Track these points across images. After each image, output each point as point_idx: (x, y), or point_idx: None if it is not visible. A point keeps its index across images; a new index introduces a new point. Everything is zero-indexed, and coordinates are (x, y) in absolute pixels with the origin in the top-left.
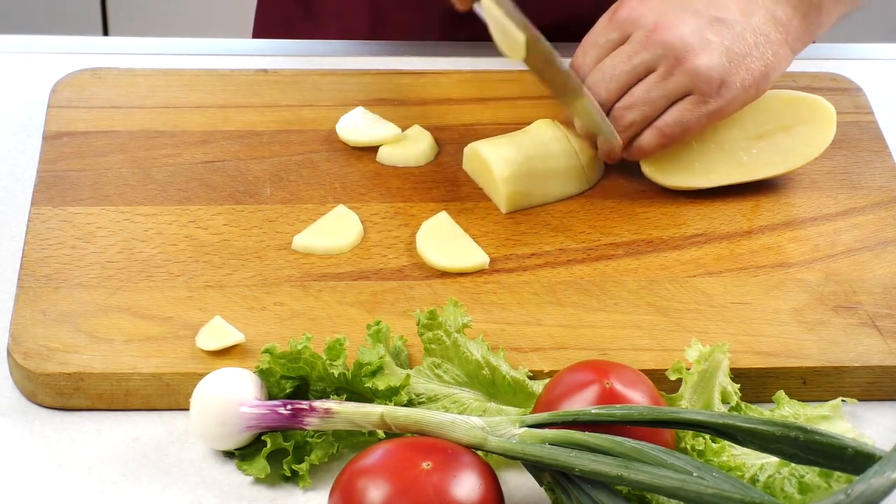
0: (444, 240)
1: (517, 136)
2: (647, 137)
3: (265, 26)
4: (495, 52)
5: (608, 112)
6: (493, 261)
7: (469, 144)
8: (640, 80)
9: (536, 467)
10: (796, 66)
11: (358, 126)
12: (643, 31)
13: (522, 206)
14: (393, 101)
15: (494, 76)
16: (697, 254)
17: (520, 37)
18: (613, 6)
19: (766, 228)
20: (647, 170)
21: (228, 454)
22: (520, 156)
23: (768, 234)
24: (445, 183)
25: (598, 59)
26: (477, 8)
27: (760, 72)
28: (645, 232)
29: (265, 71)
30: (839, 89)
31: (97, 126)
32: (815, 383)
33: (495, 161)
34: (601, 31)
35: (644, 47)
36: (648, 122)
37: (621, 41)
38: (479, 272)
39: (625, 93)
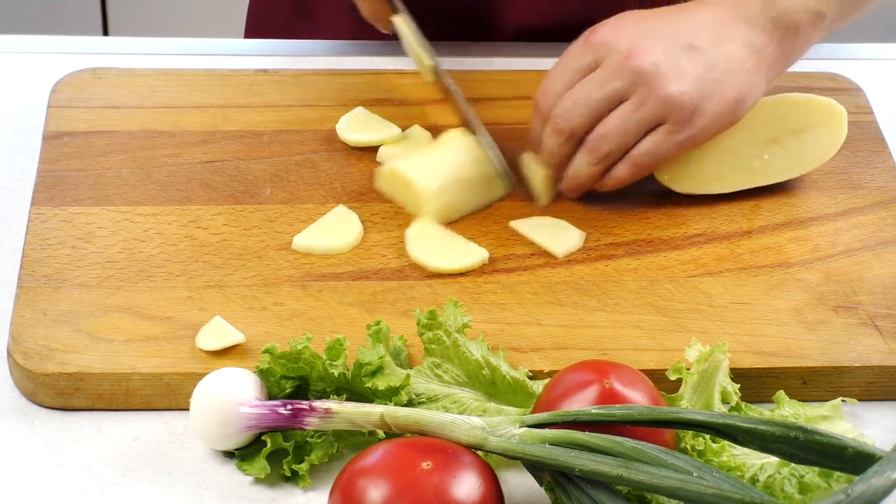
0: (436, 242)
1: (432, 150)
2: (622, 169)
3: (257, 28)
4: (495, 51)
5: (580, 139)
6: (492, 261)
7: (383, 165)
8: (613, 107)
9: (536, 467)
10: (796, 66)
11: (358, 126)
12: (616, 56)
13: (450, 218)
14: (393, 101)
15: (494, 76)
16: (697, 254)
17: (427, 61)
18: (587, 31)
19: (767, 228)
20: (662, 177)
21: (228, 454)
22: (441, 169)
23: (768, 234)
24: None
25: (570, 83)
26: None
27: (734, 99)
28: (645, 232)
29: (265, 71)
30: (839, 89)
31: (97, 126)
32: (815, 383)
33: (420, 177)
34: (574, 55)
35: (617, 74)
36: (624, 153)
37: (594, 66)
38: (480, 272)
39: (597, 120)
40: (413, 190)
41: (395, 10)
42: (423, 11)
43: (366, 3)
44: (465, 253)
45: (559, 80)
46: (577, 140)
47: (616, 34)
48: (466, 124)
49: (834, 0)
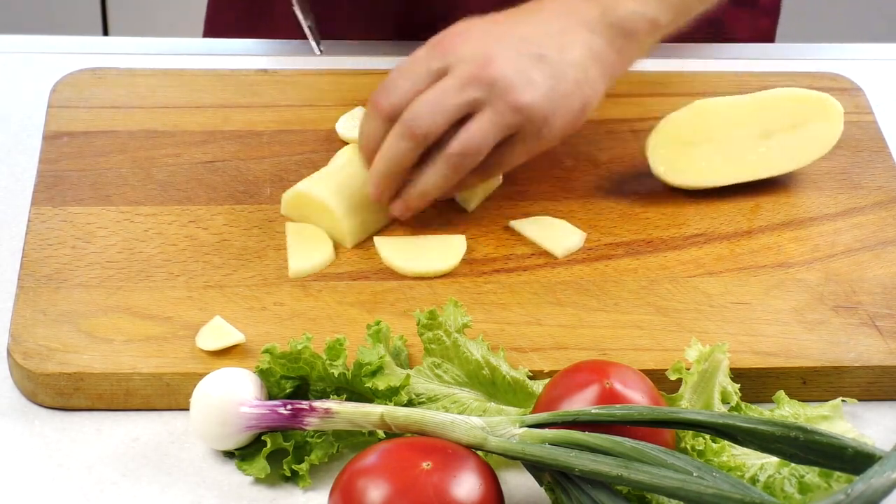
0: (407, 244)
1: (334, 171)
2: (471, 178)
3: (215, 28)
4: None
5: (428, 148)
6: (492, 260)
7: (288, 190)
8: (465, 115)
9: (536, 467)
10: (796, 66)
11: (357, 126)
12: (469, 65)
13: (364, 235)
14: None
15: None
16: (697, 254)
17: None
18: (433, 39)
19: (767, 228)
20: (658, 169)
21: (228, 454)
22: (348, 188)
23: (768, 234)
24: None
25: (417, 87)
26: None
27: (579, 108)
28: (645, 232)
29: (265, 71)
30: (839, 89)
31: (97, 126)
32: (815, 383)
33: (330, 199)
34: (421, 61)
35: (471, 82)
36: (477, 163)
37: (443, 73)
38: (479, 272)
39: (448, 126)
40: (326, 212)
41: None
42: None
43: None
44: (442, 254)
45: (405, 83)
46: (425, 146)
47: (465, 42)
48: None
49: (668, 8)
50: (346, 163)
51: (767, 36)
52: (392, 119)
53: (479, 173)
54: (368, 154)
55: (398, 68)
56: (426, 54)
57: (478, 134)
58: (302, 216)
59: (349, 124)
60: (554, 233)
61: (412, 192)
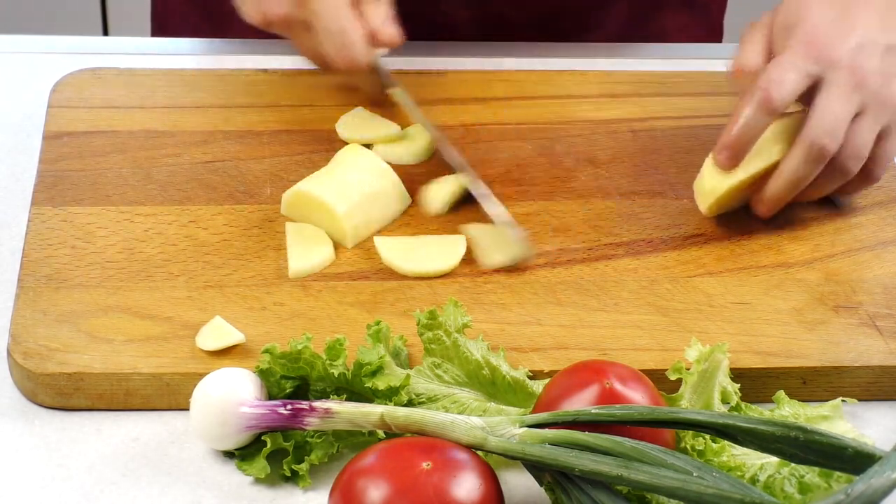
0: (407, 245)
1: (335, 170)
2: (862, 181)
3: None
4: (496, 51)
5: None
6: None
7: (288, 190)
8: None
9: (536, 467)
10: None
11: (357, 125)
12: (843, 72)
13: (364, 236)
14: (393, 102)
15: (494, 76)
16: (697, 254)
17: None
18: (801, 33)
19: (767, 228)
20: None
21: (228, 454)
22: (349, 188)
23: (768, 234)
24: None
25: (798, 84)
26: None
27: None
28: (645, 232)
29: (265, 71)
30: None
31: (97, 126)
32: (815, 383)
33: (330, 198)
34: (797, 59)
35: (853, 91)
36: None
37: (817, 77)
38: (479, 272)
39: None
40: (327, 213)
41: (387, 86)
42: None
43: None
44: (442, 254)
45: (791, 72)
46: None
47: (832, 42)
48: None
49: None
50: (346, 162)
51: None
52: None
53: (863, 179)
54: (743, 147)
55: (776, 67)
56: (803, 54)
57: (867, 134)
58: (302, 216)
59: (349, 124)
60: (495, 243)
61: (807, 195)
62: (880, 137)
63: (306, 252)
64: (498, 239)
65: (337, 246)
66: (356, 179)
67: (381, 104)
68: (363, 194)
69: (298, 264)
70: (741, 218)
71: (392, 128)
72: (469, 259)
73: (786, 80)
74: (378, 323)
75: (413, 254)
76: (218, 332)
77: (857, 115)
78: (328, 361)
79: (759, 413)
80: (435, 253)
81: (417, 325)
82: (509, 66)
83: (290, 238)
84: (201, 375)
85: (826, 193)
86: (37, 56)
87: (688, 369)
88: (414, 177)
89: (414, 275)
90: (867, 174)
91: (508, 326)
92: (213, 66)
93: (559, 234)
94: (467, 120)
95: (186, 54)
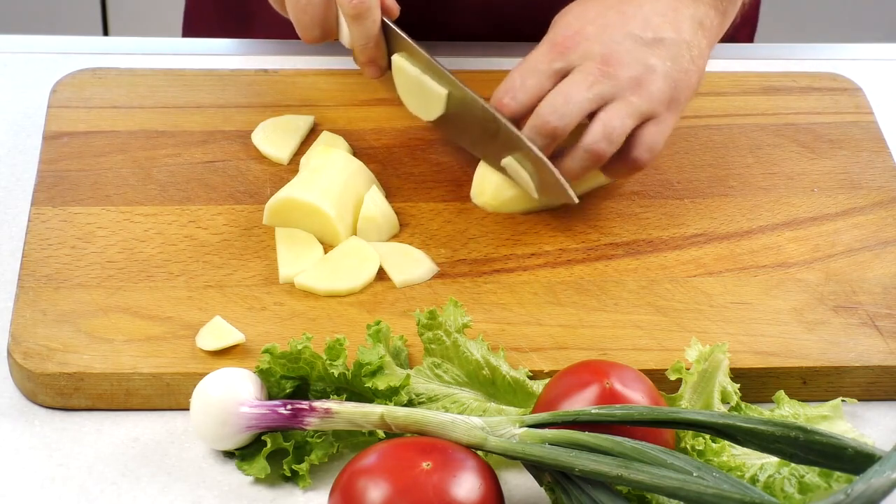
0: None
1: (313, 173)
2: (625, 169)
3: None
4: (496, 51)
5: (561, 148)
6: (492, 260)
7: (272, 198)
8: (598, 108)
9: (536, 467)
10: (796, 66)
11: (273, 139)
12: (592, 63)
13: (351, 233)
14: (392, 102)
15: (494, 76)
16: (697, 254)
17: (440, 91)
18: (549, 37)
19: (766, 228)
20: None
21: (228, 454)
22: (333, 190)
23: (768, 234)
24: (446, 183)
25: (541, 86)
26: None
27: (696, 81)
28: (645, 232)
29: (265, 71)
30: (839, 89)
31: (97, 126)
32: (815, 383)
33: (321, 202)
34: (543, 59)
35: (598, 79)
36: (615, 152)
37: (566, 72)
38: (479, 272)
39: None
40: (317, 216)
41: (392, 50)
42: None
43: (360, 36)
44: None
45: (530, 78)
46: (559, 142)
47: (584, 40)
48: (498, 145)
49: None
50: (325, 165)
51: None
52: (518, 119)
53: (628, 165)
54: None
55: (519, 70)
56: (546, 54)
57: (616, 119)
58: (288, 222)
59: (265, 137)
60: (401, 261)
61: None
62: (641, 125)
63: (296, 257)
64: (537, 178)
65: (326, 249)
66: (336, 179)
67: (383, 71)
68: (347, 195)
69: (287, 270)
70: (741, 218)
71: (306, 120)
72: (469, 259)
73: (527, 85)
74: (378, 323)
75: (325, 274)
76: (218, 332)
77: (610, 103)
78: (328, 361)
79: (759, 413)
80: (345, 271)
81: (417, 325)
82: (509, 66)
83: (280, 244)
84: (201, 375)
85: (583, 176)
86: (37, 56)
87: (688, 369)
88: (417, 177)
89: (327, 294)
90: (629, 159)
91: (508, 326)
92: (214, 65)
93: (559, 234)
94: None
95: (187, 54)
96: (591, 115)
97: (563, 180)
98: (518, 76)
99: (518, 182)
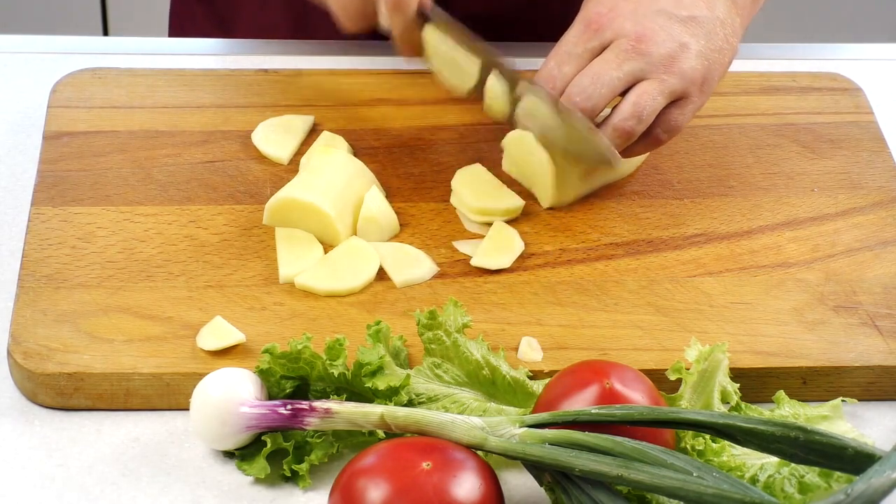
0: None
1: (313, 173)
2: (643, 145)
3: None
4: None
5: (599, 121)
6: None
7: (272, 198)
8: (630, 87)
9: (536, 467)
10: (796, 66)
11: (272, 139)
12: (625, 40)
13: (351, 232)
14: (392, 102)
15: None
16: (697, 254)
17: (473, 66)
18: (582, 16)
19: (766, 228)
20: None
21: (228, 454)
22: (332, 190)
23: (768, 234)
24: (446, 183)
25: (579, 68)
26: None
27: (729, 61)
28: (645, 232)
29: (265, 71)
30: (839, 89)
31: (97, 126)
32: (815, 383)
33: (321, 202)
34: (577, 41)
35: (630, 56)
36: (645, 129)
37: (600, 50)
38: (479, 272)
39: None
40: (317, 216)
41: (424, 21)
42: None
43: (398, 24)
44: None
45: (566, 65)
46: (598, 122)
47: (618, 18)
48: (538, 114)
49: None
50: (325, 165)
51: None
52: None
53: (655, 143)
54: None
55: (555, 55)
56: (580, 35)
57: (647, 97)
58: (288, 222)
59: (265, 137)
60: (401, 261)
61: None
62: (671, 105)
63: (296, 257)
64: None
65: (326, 249)
66: (336, 179)
67: (419, 51)
68: (346, 195)
69: (288, 270)
70: (741, 218)
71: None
72: (469, 259)
73: (563, 71)
74: (378, 323)
75: (325, 274)
76: (218, 332)
77: (642, 81)
78: (328, 361)
79: (759, 413)
80: (345, 271)
81: (417, 325)
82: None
83: (280, 243)
84: (201, 375)
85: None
86: (37, 56)
87: (687, 369)
88: (417, 177)
89: (327, 294)
90: (650, 136)
91: (508, 326)
92: (214, 66)
93: (559, 234)
94: (467, 120)
95: (187, 54)
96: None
97: (604, 141)
98: (554, 63)
99: (553, 149)
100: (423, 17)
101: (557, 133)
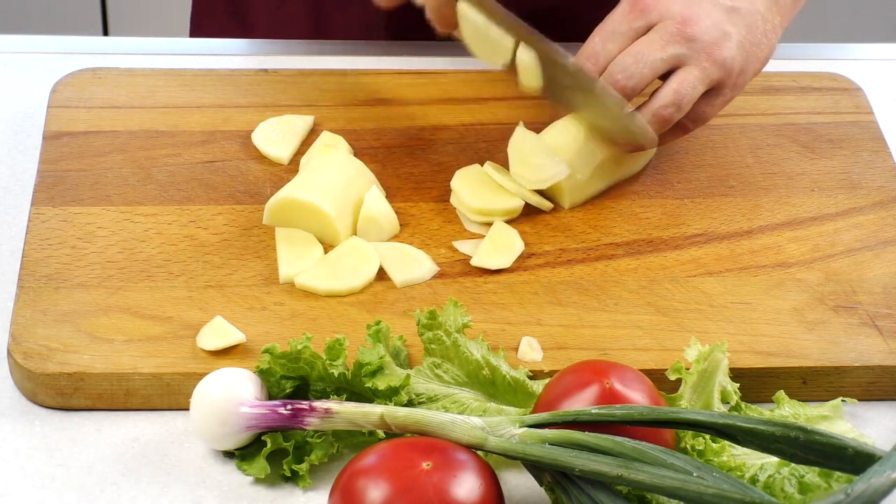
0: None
1: (313, 173)
2: (670, 133)
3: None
4: None
5: (635, 103)
6: None
7: (272, 198)
8: (671, 69)
9: (536, 467)
10: (796, 66)
11: (273, 139)
12: (671, 22)
13: (351, 233)
14: (392, 102)
15: (494, 76)
16: (697, 254)
17: (506, 40)
18: None
19: (766, 228)
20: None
21: (228, 454)
22: (333, 190)
23: (768, 234)
24: (446, 183)
25: (622, 47)
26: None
27: (766, 57)
28: (645, 232)
29: (265, 71)
30: (839, 89)
31: (97, 126)
32: (815, 383)
33: (321, 202)
34: (623, 20)
35: (675, 39)
36: (682, 116)
37: (645, 30)
38: (479, 272)
39: (652, 80)
40: (318, 216)
41: None
42: (378, 12)
43: (436, 10)
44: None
45: (609, 43)
46: (630, 99)
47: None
48: (575, 89)
49: None
50: (325, 165)
51: None
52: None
53: (683, 131)
54: None
55: (600, 32)
56: (626, 14)
57: (687, 86)
58: (289, 222)
59: (265, 137)
60: (402, 261)
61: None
62: (706, 94)
63: (296, 257)
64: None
65: (326, 249)
66: (336, 179)
67: (453, 27)
68: (346, 195)
69: (287, 270)
70: (741, 218)
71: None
72: (469, 259)
73: (607, 49)
74: (378, 323)
75: (325, 274)
76: (218, 332)
77: (684, 66)
78: (328, 361)
79: (759, 413)
80: (345, 272)
81: (417, 325)
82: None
83: (280, 243)
84: (201, 375)
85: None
86: (37, 56)
87: (687, 369)
88: (416, 177)
89: (327, 294)
90: (678, 124)
91: (508, 326)
92: (214, 65)
93: (559, 234)
94: (467, 120)
95: (187, 54)
96: (664, 76)
97: (642, 123)
98: (599, 39)
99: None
100: None
101: (594, 111)
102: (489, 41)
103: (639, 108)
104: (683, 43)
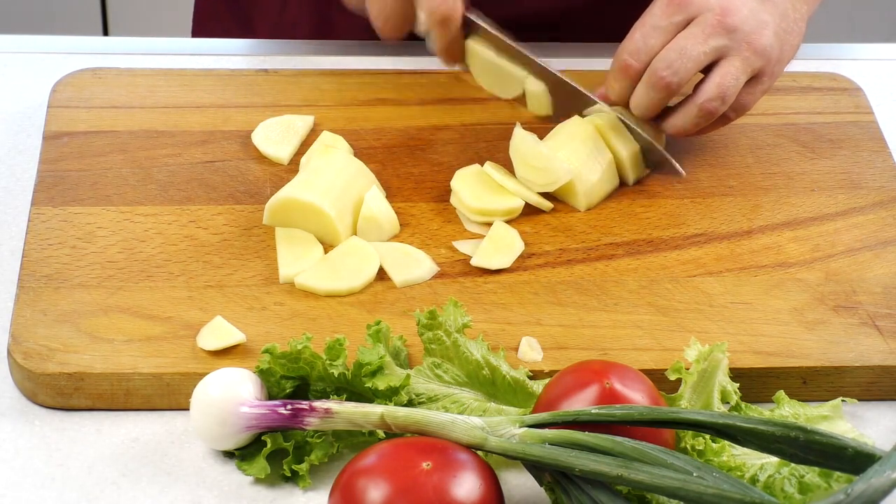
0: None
1: (313, 173)
2: (714, 123)
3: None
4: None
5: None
6: None
7: (272, 198)
8: (714, 61)
9: (536, 467)
10: (797, 66)
11: (272, 139)
12: (710, 14)
13: (351, 232)
14: (392, 102)
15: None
16: (697, 254)
17: (518, 73)
18: None
19: (766, 228)
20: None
21: (228, 454)
22: (333, 190)
23: (768, 234)
24: (446, 183)
25: (664, 42)
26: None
27: (797, 44)
28: (645, 232)
29: (265, 71)
30: (839, 89)
31: (97, 126)
32: (815, 383)
33: (321, 202)
34: (662, 14)
35: (716, 31)
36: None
37: (685, 24)
38: (480, 272)
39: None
40: (318, 216)
41: (467, 35)
42: None
43: (443, 37)
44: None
45: (651, 38)
46: (674, 94)
47: None
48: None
49: None
50: (325, 165)
51: None
52: (647, 74)
53: (724, 122)
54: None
55: (640, 28)
56: (665, 8)
57: (731, 77)
58: (288, 222)
59: (265, 137)
60: (401, 261)
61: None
62: (746, 83)
63: (296, 257)
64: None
65: (326, 249)
66: (335, 178)
67: (457, 57)
68: (347, 195)
69: (287, 271)
70: (741, 218)
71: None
72: (469, 259)
73: (649, 44)
74: (378, 323)
75: (325, 274)
76: (218, 332)
77: (726, 58)
78: (328, 361)
79: (759, 413)
80: (345, 271)
81: (417, 325)
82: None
83: (280, 243)
84: (201, 375)
85: (693, 132)
86: (37, 56)
87: (687, 369)
88: (416, 177)
89: (327, 294)
90: (721, 116)
91: (508, 326)
92: (214, 65)
93: (559, 234)
94: (467, 120)
95: (187, 54)
96: (706, 69)
97: (666, 155)
98: (640, 35)
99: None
100: (465, 27)
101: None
102: (499, 75)
103: (683, 102)
104: (724, 34)
